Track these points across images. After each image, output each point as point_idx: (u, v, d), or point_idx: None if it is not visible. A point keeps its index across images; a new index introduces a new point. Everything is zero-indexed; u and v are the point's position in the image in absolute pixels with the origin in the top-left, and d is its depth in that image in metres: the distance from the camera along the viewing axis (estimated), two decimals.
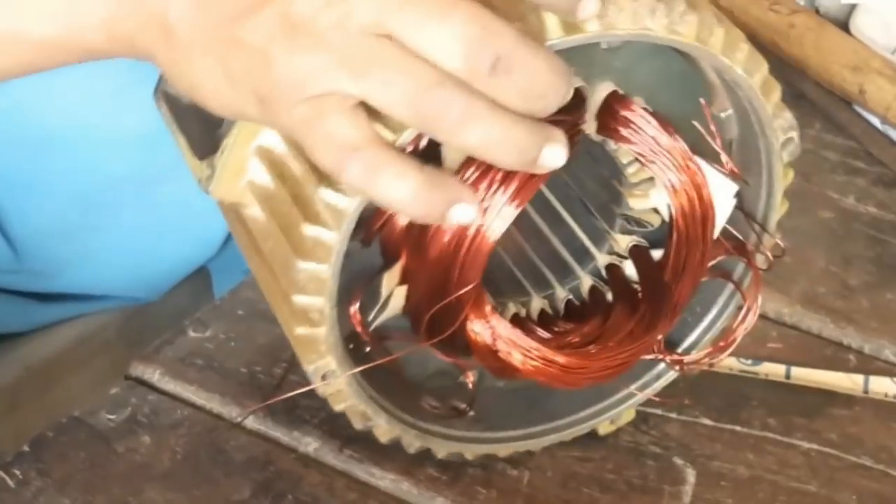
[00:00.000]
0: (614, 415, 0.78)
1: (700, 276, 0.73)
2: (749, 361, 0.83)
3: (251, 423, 0.79)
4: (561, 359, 0.70)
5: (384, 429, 0.72)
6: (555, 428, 0.77)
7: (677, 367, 0.77)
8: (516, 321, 0.73)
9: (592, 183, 0.77)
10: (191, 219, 1.04)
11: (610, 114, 0.67)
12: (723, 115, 0.73)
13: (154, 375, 0.82)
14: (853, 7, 1.09)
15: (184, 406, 0.80)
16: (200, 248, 1.08)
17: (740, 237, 0.76)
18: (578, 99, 0.65)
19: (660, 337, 0.74)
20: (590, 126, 0.67)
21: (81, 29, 0.66)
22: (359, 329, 0.69)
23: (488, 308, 0.69)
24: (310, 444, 0.78)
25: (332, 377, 0.67)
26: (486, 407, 0.75)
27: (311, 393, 0.80)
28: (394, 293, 0.69)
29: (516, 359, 0.70)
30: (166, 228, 1.04)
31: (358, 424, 0.71)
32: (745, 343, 0.82)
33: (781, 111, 0.71)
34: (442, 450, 0.74)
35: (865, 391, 0.82)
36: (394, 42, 0.58)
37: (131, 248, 1.04)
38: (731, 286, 0.77)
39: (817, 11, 1.12)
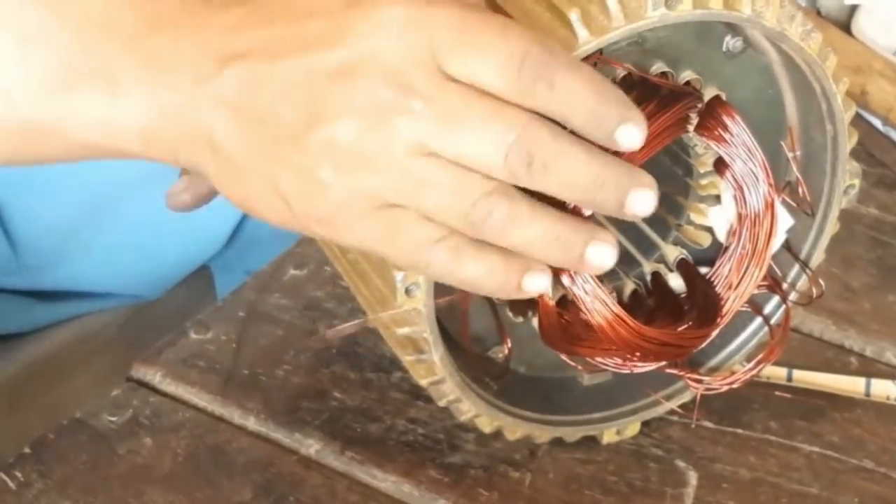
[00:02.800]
0: (621, 424, 0.78)
1: (748, 295, 0.75)
2: (750, 364, 0.83)
3: (252, 424, 0.79)
4: (634, 323, 0.71)
5: (430, 365, 0.70)
6: (564, 422, 0.77)
7: (697, 387, 0.77)
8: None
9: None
10: (192, 217, 1.04)
11: (712, 115, 0.69)
12: (790, 154, 0.75)
13: (155, 377, 0.82)
14: (854, 8, 1.09)
15: (185, 408, 0.80)
16: (202, 245, 1.08)
17: (778, 273, 0.77)
18: (694, 90, 0.68)
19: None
20: (691, 121, 0.69)
21: (118, 137, 0.64)
22: None
23: None
24: (311, 446, 0.78)
25: (416, 289, 0.67)
26: (506, 386, 0.75)
27: (313, 395, 0.80)
28: None
29: (596, 314, 0.70)
30: (168, 226, 1.04)
31: (409, 355, 0.70)
32: None
33: (849, 158, 0.74)
34: (471, 408, 0.73)
35: (867, 394, 0.82)
36: (437, 159, 0.60)
37: (132, 245, 1.04)
38: (759, 319, 0.79)
39: (818, 13, 1.12)
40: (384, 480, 0.76)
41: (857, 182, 0.75)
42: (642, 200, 0.61)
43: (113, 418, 0.79)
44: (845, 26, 1.09)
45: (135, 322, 1.09)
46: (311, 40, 0.60)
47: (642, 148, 0.64)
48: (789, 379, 0.83)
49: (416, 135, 0.59)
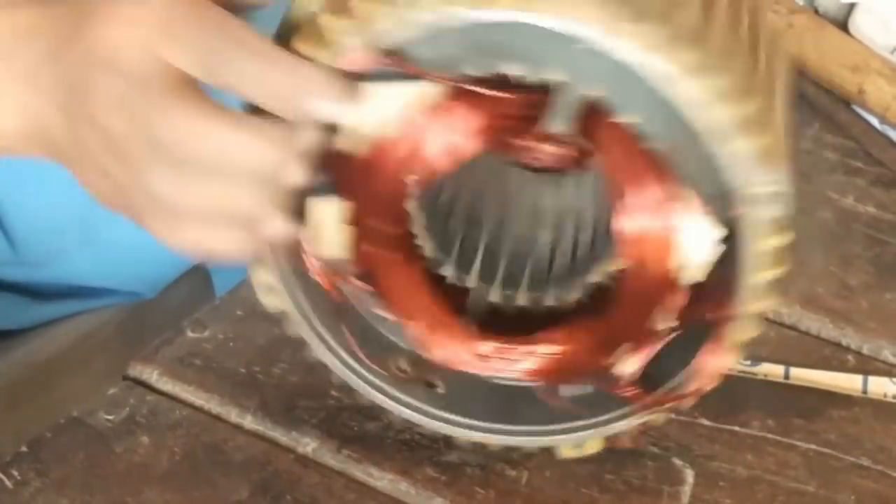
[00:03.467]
0: (580, 438, 0.75)
1: (654, 320, 0.70)
2: (748, 362, 0.83)
3: (249, 423, 0.79)
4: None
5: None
6: (513, 431, 0.75)
7: (636, 406, 0.73)
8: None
9: (592, 202, 0.77)
10: None
11: (592, 120, 0.65)
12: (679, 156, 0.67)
13: (152, 376, 0.82)
14: (852, 7, 1.09)
15: (182, 406, 0.80)
16: None
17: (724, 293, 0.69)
18: (543, 93, 0.64)
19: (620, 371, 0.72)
20: (561, 126, 0.65)
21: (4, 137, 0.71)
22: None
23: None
24: (308, 445, 0.78)
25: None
26: (454, 390, 0.75)
27: (310, 393, 0.80)
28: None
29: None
30: None
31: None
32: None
33: (773, 162, 0.65)
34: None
35: (864, 392, 0.82)
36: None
37: (129, 241, 1.04)
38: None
39: (816, 11, 1.12)
40: (381, 479, 0.76)
41: (780, 189, 0.65)
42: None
43: (110, 417, 0.79)
44: (843, 25, 1.10)
45: (132, 322, 1.09)
46: (76, 30, 0.66)
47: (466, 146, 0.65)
48: (787, 377, 0.83)
49: (122, 109, 0.64)
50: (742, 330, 0.69)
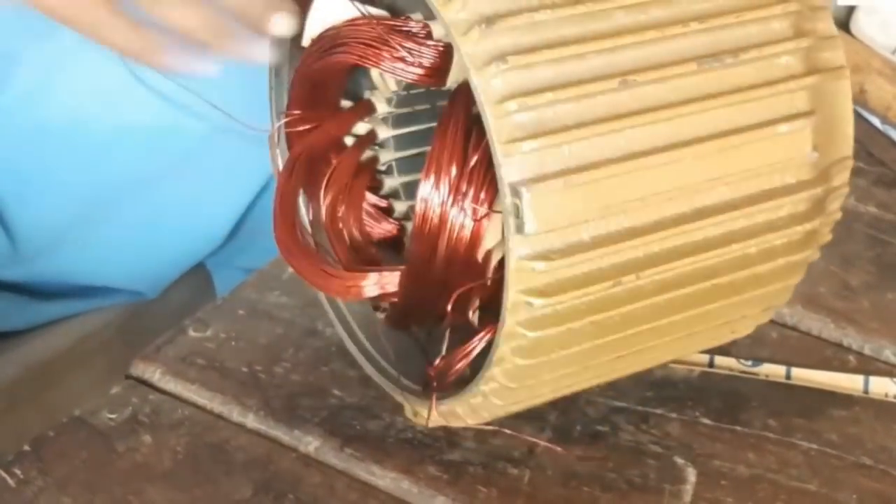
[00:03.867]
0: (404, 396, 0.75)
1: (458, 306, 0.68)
2: (749, 362, 0.83)
3: (251, 422, 0.79)
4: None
5: None
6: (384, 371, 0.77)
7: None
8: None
9: None
10: (192, 214, 1.05)
11: (461, 98, 0.66)
12: None
13: (155, 375, 0.82)
14: (853, 7, 1.10)
15: (185, 406, 0.80)
16: (201, 243, 1.08)
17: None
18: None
19: None
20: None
21: None
22: None
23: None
24: (310, 444, 0.78)
25: None
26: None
27: (312, 393, 0.80)
28: None
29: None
30: (167, 223, 1.05)
31: None
32: (746, 344, 0.83)
33: None
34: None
35: (866, 391, 0.83)
36: None
37: (132, 241, 1.05)
38: None
39: None
40: (383, 477, 0.76)
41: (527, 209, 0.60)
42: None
43: (112, 416, 0.79)
44: (844, 26, 1.10)
45: (133, 322, 1.10)
46: None
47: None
48: (788, 377, 0.83)
49: None
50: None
